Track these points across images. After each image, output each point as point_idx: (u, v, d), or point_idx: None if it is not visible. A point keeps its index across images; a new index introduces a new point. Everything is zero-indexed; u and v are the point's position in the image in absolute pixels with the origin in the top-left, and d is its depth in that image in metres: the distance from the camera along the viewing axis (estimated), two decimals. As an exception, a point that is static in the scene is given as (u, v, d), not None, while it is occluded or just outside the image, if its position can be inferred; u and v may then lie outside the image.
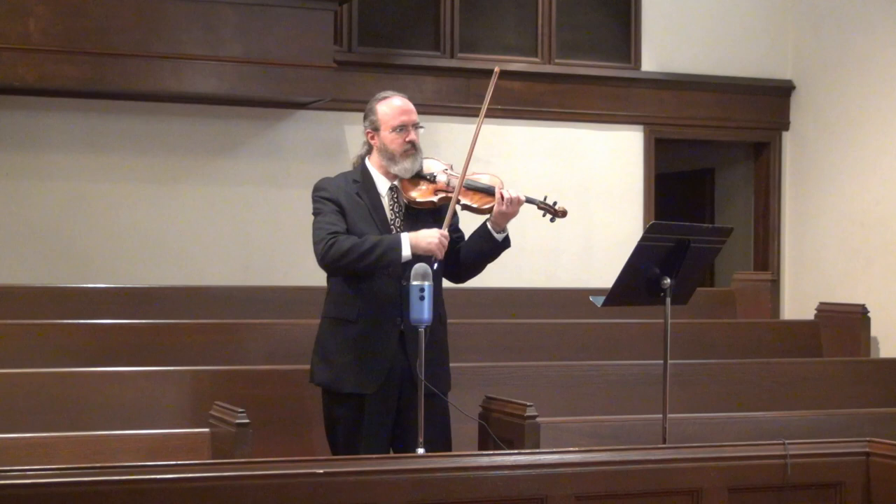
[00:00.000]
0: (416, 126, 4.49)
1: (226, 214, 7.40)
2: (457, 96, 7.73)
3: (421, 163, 4.49)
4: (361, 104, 7.50)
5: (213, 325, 6.04)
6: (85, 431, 4.47)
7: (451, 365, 4.64)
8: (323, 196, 4.47)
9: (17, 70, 6.54)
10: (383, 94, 4.59)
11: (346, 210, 4.42)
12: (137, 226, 7.21)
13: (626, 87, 8.30)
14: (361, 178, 4.51)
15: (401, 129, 4.46)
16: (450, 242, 4.42)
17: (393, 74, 7.63)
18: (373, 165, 4.54)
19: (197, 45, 6.81)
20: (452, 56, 7.90)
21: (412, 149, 4.46)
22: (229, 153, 7.41)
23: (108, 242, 7.15)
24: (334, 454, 4.45)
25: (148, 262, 7.19)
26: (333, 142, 7.60)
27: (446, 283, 4.62)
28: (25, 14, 6.49)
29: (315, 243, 4.40)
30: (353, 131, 7.60)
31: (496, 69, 4.46)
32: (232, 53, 6.87)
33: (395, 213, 4.49)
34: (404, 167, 4.46)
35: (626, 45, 8.35)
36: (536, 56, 8.14)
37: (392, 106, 4.50)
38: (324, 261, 4.38)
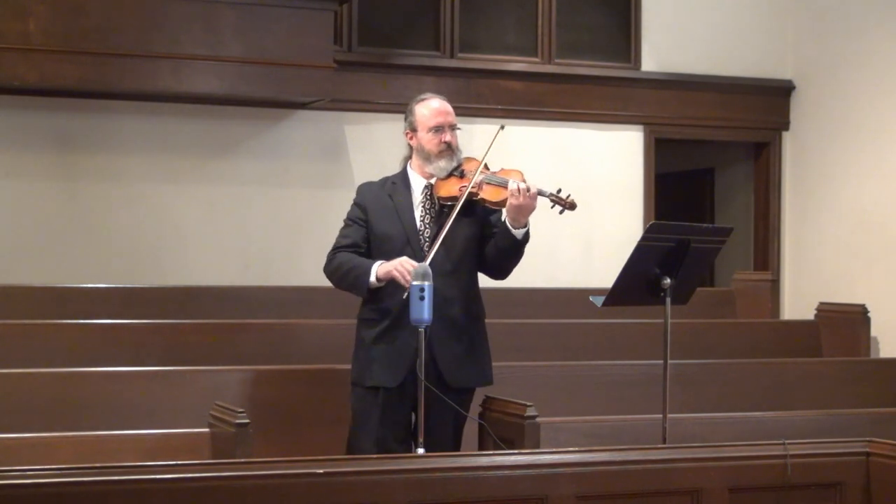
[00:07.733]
0: (452, 127, 4.59)
1: (226, 214, 7.40)
2: (457, 96, 7.64)
3: (458, 162, 4.57)
4: (361, 104, 7.70)
5: (213, 325, 6.04)
6: (85, 431, 4.47)
7: None
8: (354, 201, 4.71)
9: (17, 70, 6.55)
10: (422, 95, 4.70)
11: (369, 214, 4.60)
12: (137, 226, 7.21)
13: (626, 87, 8.30)
14: (400, 179, 4.66)
15: (437, 130, 4.56)
16: (486, 239, 4.58)
17: (393, 74, 7.63)
18: (412, 165, 4.66)
19: (197, 45, 6.81)
20: (452, 56, 7.90)
21: (448, 150, 4.56)
22: (229, 153, 7.41)
23: (108, 242, 7.15)
24: (349, 446, 4.58)
25: (147, 262, 7.19)
26: (333, 142, 7.60)
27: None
28: (25, 14, 6.49)
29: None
30: (352, 131, 7.61)
31: (502, 126, 4.63)
32: (232, 53, 6.87)
33: (426, 209, 4.58)
34: (439, 167, 4.55)
35: (626, 45, 8.34)
36: (536, 56, 8.14)
37: (430, 107, 4.60)
38: (325, 274, 4.65)
